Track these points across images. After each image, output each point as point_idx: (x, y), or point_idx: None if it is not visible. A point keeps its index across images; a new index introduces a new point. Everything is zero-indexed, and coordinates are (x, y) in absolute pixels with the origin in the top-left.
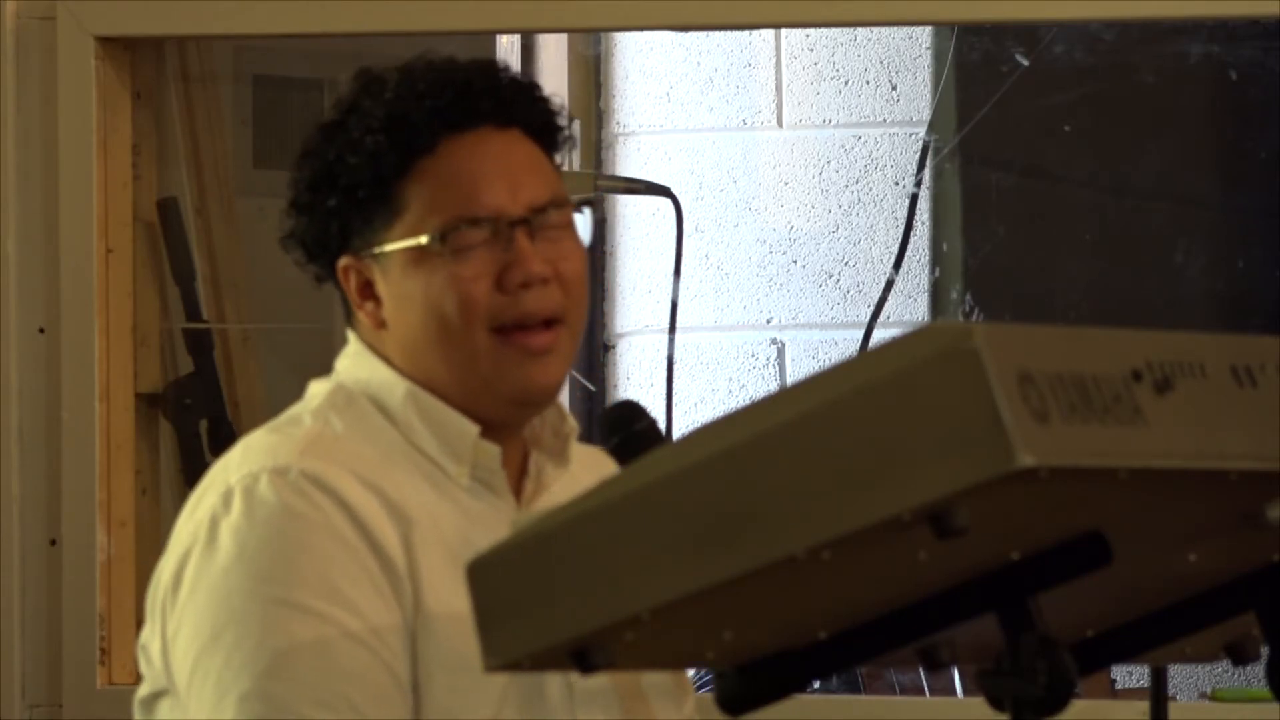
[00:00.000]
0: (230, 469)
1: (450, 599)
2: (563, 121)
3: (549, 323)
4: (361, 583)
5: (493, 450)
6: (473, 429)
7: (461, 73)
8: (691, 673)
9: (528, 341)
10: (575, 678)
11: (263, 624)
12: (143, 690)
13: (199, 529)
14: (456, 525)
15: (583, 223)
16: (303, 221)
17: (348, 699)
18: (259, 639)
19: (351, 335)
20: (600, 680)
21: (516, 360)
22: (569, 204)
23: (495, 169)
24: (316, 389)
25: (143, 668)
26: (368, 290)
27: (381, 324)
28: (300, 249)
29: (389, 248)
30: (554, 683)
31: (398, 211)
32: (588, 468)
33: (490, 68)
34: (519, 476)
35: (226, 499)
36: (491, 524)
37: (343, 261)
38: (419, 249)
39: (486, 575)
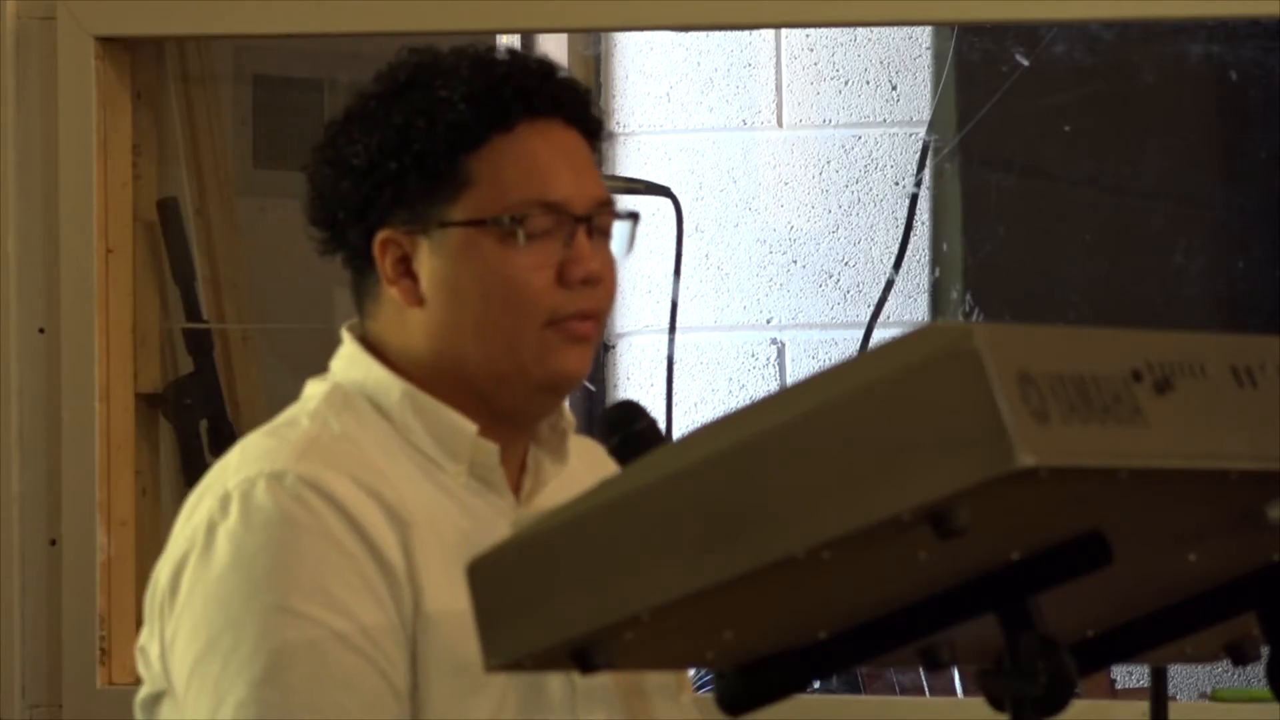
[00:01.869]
0: (228, 472)
1: (450, 600)
2: (604, 134)
3: (590, 317)
4: (358, 588)
5: (491, 448)
6: (471, 428)
7: (537, 62)
8: (691, 673)
9: (573, 328)
10: (578, 676)
11: (258, 630)
12: (143, 692)
13: (196, 533)
14: (456, 523)
15: (622, 232)
16: (345, 184)
17: (341, 705)
18: (254, 645)
19: (346, 335)
20: (602, 678)
21: (559, 345)
22: (615, 210)
23: (565, 160)
24: (313, 390)
25: (141, 670)
26: (404, 266)
27: (416, 301)
28: (332, 214)
29: (452, 222)
30: (556, 682)
31: (462, 187)
32: (585, 461)
33: (555, 65)
34: (518, 473)
35: (224, 504)
36: (491, 521)
37: (385, 233)
38: (482, 227)
39: (486, 575)
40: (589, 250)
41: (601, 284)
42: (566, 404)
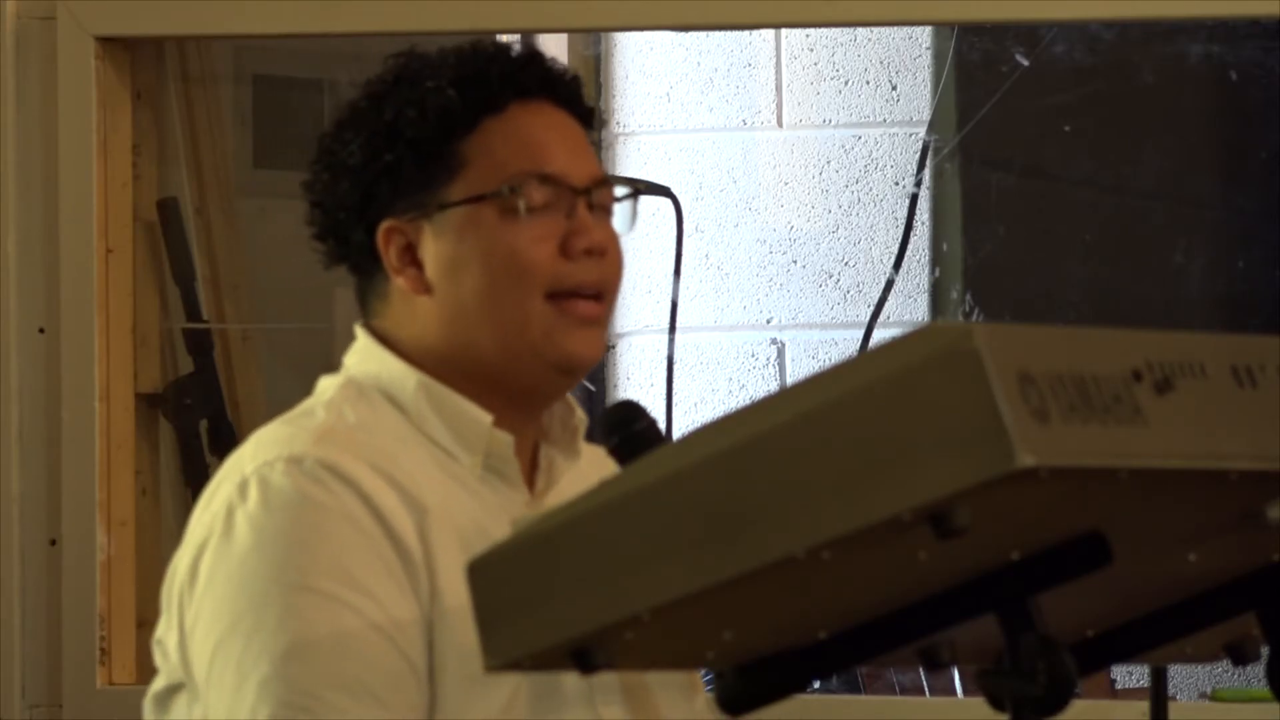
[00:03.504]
0: (244, 460)
1: (465, 589)
2: (597, 123)
3: (597, 296)
4: (378, 570)
5: (506, 439)
6: (486, 418)
7: (524, 49)
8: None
9: (580, 310)
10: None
11: (281, 610)
12: (157, 684)
13: (215, 519)
14: (471, 513)
15: (622, 212)
16: (343, 185)
17: (365, 684)
18: (277, 624)
19: (360, 331)
20: (617, 675)
21: (567, 327)
22: (614, 188)
23: (560, 136)
24: (327, 383)
25: (158, 661)
26: (408, 255)
27: (423, 289)
28: (333, 217)
29: (451, 203)
30: (571, 677)
31: (458, 169)
32: (594, 465)
33: (543, 53)
34: (530, 469)
35: (242, 488)
36: (504, 514)
37: (387, 223)
38: (481, 206)
39: (487, 575)
40: (591, 222)
41: (606, 256)
42: (577, 403)
